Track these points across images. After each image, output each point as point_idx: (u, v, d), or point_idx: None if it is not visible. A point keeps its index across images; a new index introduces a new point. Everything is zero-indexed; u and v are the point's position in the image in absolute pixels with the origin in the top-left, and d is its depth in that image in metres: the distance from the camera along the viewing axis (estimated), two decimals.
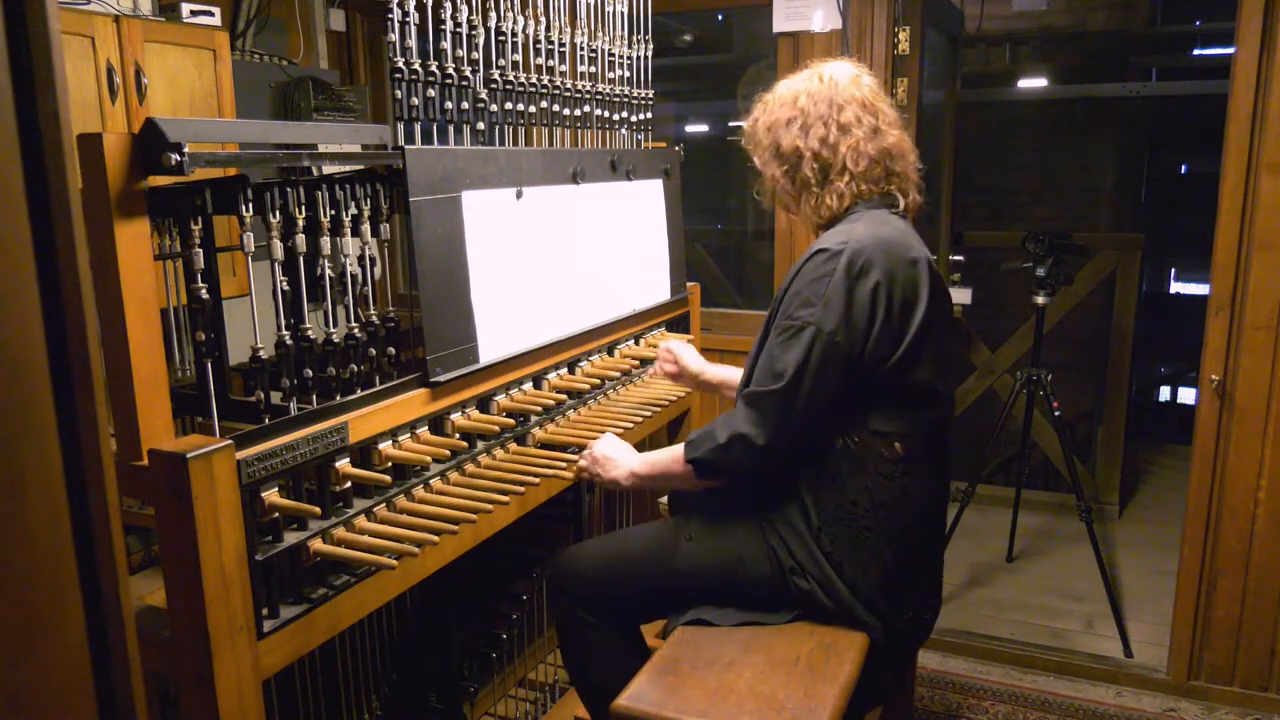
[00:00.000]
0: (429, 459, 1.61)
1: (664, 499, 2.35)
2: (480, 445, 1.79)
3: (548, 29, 2.02)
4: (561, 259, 2.08)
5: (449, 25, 1.73)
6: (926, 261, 1.67)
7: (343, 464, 1.47)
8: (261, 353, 1.42)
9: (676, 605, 1.76)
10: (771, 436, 1.60)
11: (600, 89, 2.25)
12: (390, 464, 1.57)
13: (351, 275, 1.55)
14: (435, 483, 1.65)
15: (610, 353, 2.29)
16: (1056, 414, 3.17)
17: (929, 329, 1.63)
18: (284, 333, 1.45)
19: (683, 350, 2.19)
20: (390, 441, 1.57)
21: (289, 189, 1.43)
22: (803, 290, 1.61)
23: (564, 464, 1.85)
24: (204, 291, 1.37)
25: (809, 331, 1.58)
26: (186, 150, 1.22)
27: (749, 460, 1.63)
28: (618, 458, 1.87)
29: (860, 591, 1.65)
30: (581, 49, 2.17)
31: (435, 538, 1.48)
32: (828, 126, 1.70)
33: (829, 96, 1.71)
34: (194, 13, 2.48)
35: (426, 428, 1.66)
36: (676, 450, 1.74)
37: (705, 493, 1.83)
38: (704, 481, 1.72)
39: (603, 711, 1.61)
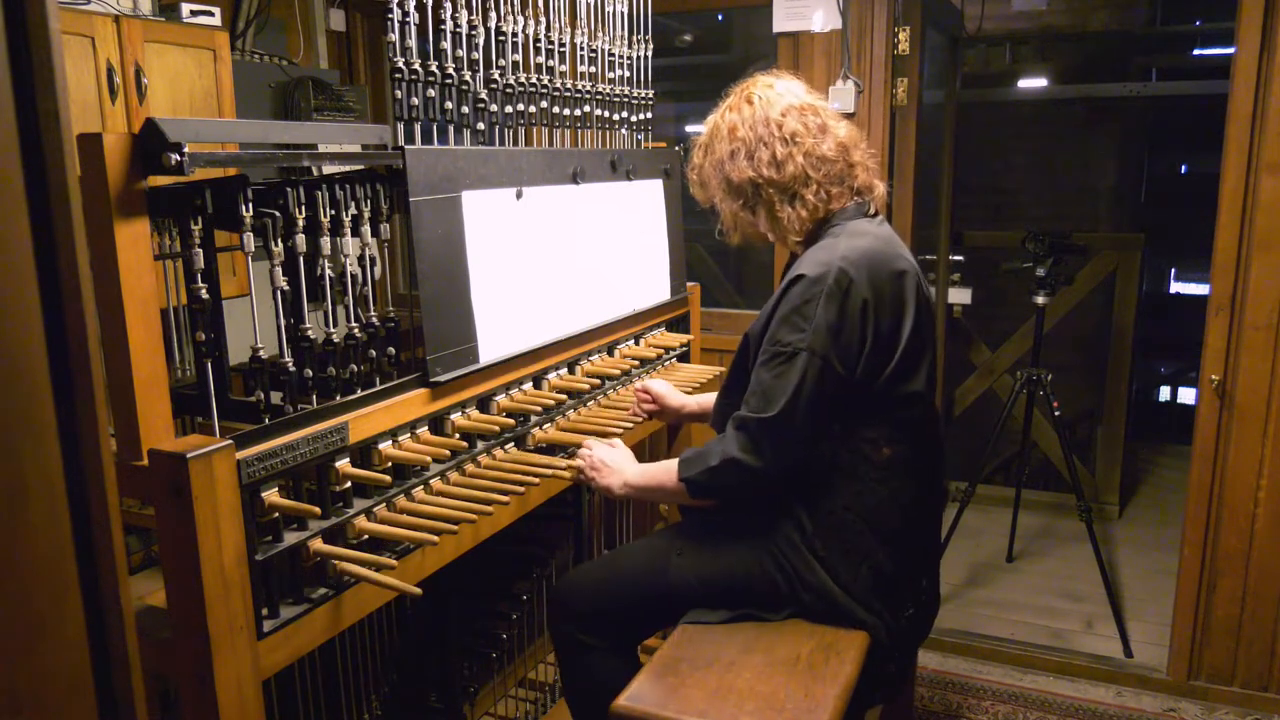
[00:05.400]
0: (429, 459, 1.61)
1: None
2: (480, 445, 1.79)
3: (548, 29, 2.02)
4: (561, 259, 2.08)
5: (449, 25, 1.73)
6: (912, 270, 1.66)
7: (343, 464, 1.47)
8: (261, 353, 1.42)
9: (672, 619, 1.76)
10: (765, 462, 1.58)
11: (600, 89, 2.25)
12: (390, 464, 1.57)
13: (351, 275, 1.55)
14: (435, 483, 1.65)
15: (610, 353, 2.29)
16: (1056, 414, 3.17)
17: (918, 339, 1.63)
18: (284, 333, 1.45)
19: (660, 389, 2.10)
20: (390, 441, 1.57)
21: (289, 189, 1.43)
22: (790, 315, 1.58)
23: (564, 464, 1.85)
24: (204, 291, 1.37)
25: (801, 357, 1.55)
26: (186, 150, 1.22)
27: (742, 485, 1.62)
28: (615, 464, 1.83)
29: (855, 593, 1.65)
30: (581, 49, 2.17)
31: (435, 538, 1.48)
32: (770, 145, 1.67)
33: (764, 115, 1.69)
34: (194, 13, 2.48)
35: (426, 428, 1.66)
36: (672, 465, 1.72)
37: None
38: (696, 500, 1.71)
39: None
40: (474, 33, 1.78)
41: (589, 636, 1.78)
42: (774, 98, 1.72)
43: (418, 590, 1.44)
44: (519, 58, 1.92)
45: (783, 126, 1.68)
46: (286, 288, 1.45)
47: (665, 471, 1.73)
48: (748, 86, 1.77)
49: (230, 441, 1.25)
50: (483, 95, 1.82)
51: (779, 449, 1.57)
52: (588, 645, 1.78)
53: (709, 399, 2.09)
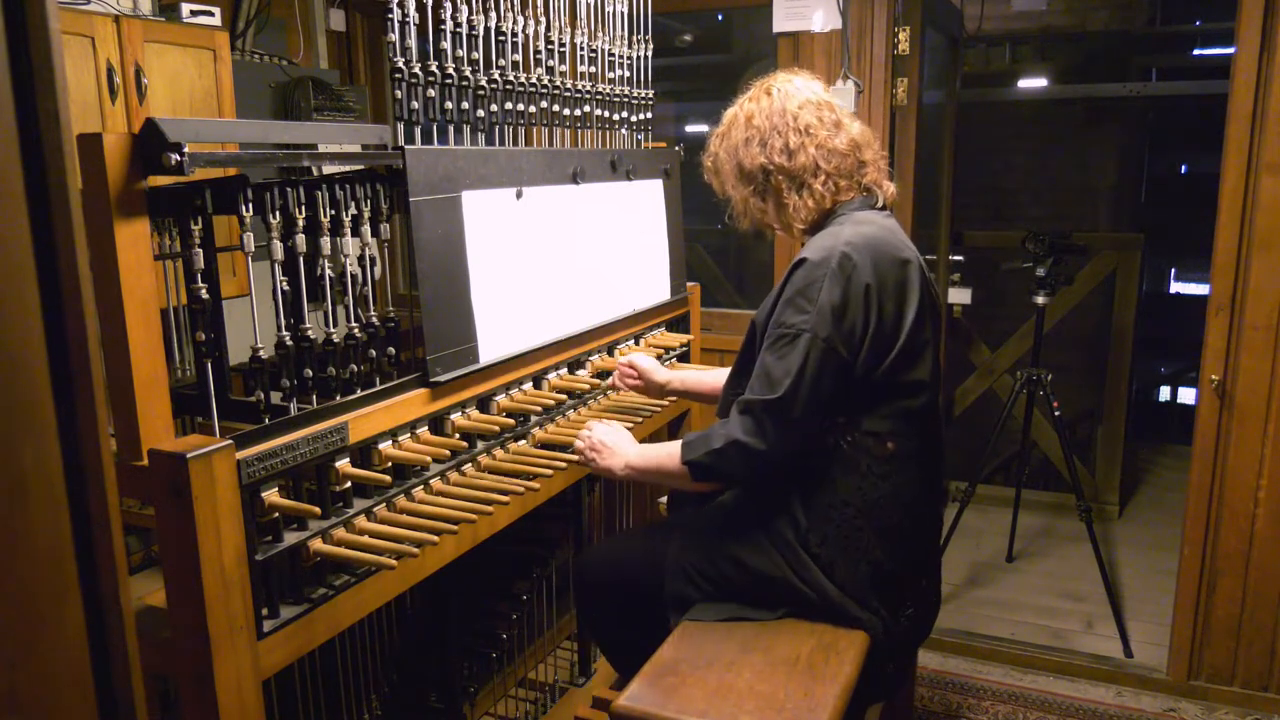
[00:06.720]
0: (429, 459, 1.61)
1: (664, 499, 2.36)
2: (480, 445, 1.79)
3: (548, 29, 2.02)
4: (561, 259, 2.08)
5: (449, 25, 1.73)
6: (916, 261, 1.67)
7: (343, 464, 1.47)
8: (261, 353, 1.42)
9: (674, 605, 1.77)
10: (769, 445, 1.57)
11: (600, 89, 2.25)
12: (390, 464, 1.57)
13: (351, 275, 1.55)
14: (435, 483, 1.65)
15: (610, 353, 2.29)
16: (1056, 414, 3.17)
17: (921, 329, 1.63)
18: (284, 333, 1.45)
19: (645, 364, 2.12)
20: (390, 441, 1.57)
21: (289, 189, 1.43)
22: (794, 298, 1.60)
23: (564, 464, 1.85)
24: (204, 291, 1.37)
25: (804, 338, 1.56)
26: (186, 150, 1.22)
27: (745, 467, 1.61)
28: (616, 446, 1.82)
29: (850, 590, 1.65)
30: (581, 49, 2.17)
31: (435, 538, 1.48)
32: (784, 135, 1.70)
33: (781, 107, 1.72)
34: (194, 13, 2.48)
35: (426, 428, 1.66)
36: (674, 448, 1.71)
37: (701, 494, 1.82)
38: (698, 484, 1.70)
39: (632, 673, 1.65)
40: (474, 33, 1.79)
41: (602, 610, 1.88)
42: (792, 91, 1.75)
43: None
44: (519, 57, 1.92)
45: (798, 118, 1.71)
46: (287, 288, 1.45)
47: (667, 454, 1.72)
48: (768, 80, 1.80)
49: (230, 441, 1.25)
50: (483, 84, 1.81)
51: (782, 431, 1.57)
52: (603, 616, 1.89)
53: (692, 376, 2.13)
